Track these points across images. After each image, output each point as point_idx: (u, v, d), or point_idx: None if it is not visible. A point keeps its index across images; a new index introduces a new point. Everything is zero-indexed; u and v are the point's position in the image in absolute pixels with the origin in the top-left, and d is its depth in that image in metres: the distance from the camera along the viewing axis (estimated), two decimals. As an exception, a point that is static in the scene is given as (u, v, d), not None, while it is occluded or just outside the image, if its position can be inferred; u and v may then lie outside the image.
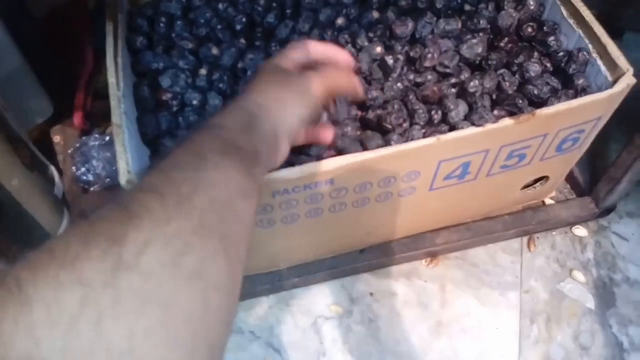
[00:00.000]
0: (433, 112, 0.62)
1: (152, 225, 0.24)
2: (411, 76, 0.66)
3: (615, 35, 0.61)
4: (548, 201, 0.78)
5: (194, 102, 0.62)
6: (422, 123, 0.61)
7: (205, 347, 0.24)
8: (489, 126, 0.54)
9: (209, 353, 0.24)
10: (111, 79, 0.57)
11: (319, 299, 0.71)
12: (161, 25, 0.66)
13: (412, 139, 0.60)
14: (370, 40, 0.67)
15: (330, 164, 0.51)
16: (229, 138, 0.34)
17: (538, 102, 0.63)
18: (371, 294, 0.71)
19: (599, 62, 0.60)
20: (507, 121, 0.54)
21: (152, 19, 0.67)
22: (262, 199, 0.53)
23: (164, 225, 0.24)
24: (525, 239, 0.76)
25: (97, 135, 0.77)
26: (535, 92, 0.62)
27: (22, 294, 0.20)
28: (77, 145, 0.76)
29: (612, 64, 0.58)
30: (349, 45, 0.67)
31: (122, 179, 0.50)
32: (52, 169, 0.75)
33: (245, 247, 0.29)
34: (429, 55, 0.65)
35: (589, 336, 0.69)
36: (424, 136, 0.61)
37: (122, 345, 0.21)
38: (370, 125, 0.61)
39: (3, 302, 0.20)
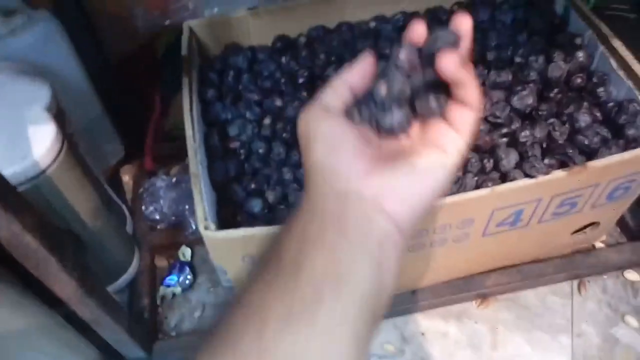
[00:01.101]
0: (485, 161, 0.65)
1: None
2: (463, 125, 0.69)
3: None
4: (598, 244, 0.79)
5: (260, 150, 0.67)
6: (475, 171, 0.64)
7: None
8: (542, 177, 0.56)
9: None
10: (188, 132, 0.62)
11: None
12: (229, 78, 0.72)
13: (464, 187, 0.63)
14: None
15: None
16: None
17: (588, 152, 0.65)
18: (422, 334, 0.74)
19: (649, 113, 0.62)
20: (559, 173, 0.56)
21: (221, 72, 0.73)
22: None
23: None
24: (575, 282, 0.77)
25: (164, 177, 0.83)
26: (586, 142, 0.64)
27: None
28: (146, 185, 0.82)
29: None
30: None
31: (200, 225, 0.55)
32: (124, 207, 0.81)
33: None
34: (482, 107, 0.68)
35: (643, 383, 0.69)
36: (476, 184, 0.64)
37: None
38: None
39: None
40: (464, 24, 0.33)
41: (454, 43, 0.32)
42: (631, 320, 0.73)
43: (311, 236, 0.29)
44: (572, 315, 0.74)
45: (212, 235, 0.54)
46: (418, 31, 0.34)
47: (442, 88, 0.32)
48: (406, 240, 0.31)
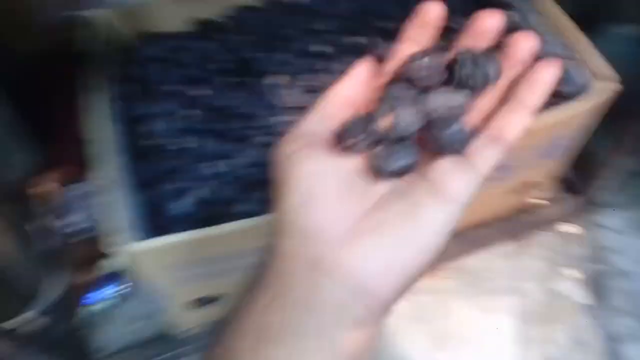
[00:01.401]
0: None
1: None
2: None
3: (594, 30, 0.62)
4: (539, 201, 0.80)
5: (191, 145, 0.61)
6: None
7: None
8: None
9: None
10: (102, 134, 0.56)
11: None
12: (149, 70, 0.66)
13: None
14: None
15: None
16: None
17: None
18: (374, 313, 0.72)
19: (579, 68, 0.61)
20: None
21: (142, 65, 0.66)
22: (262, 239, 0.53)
23: None
24: (517, 241, 0.78)
25: (78, 185, 0.76)
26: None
27: None
28: (59, 197, 0.74)
29: (592, 70, 0.59)
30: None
31: (119, 238, 0.49)
32: (38, 223, 0.73)
33: None
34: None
35: (585, 332, 0.71)
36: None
37: None
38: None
39: None
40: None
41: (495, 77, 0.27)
42: (571, 272, 0.75)
43: (271, 329, 0.24)
44: (515, 275, 0.75)
45: (131, 250, 0.49)
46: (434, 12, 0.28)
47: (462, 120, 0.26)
48: (383, 323, 0.26)
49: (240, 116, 0.63)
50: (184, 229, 0.59)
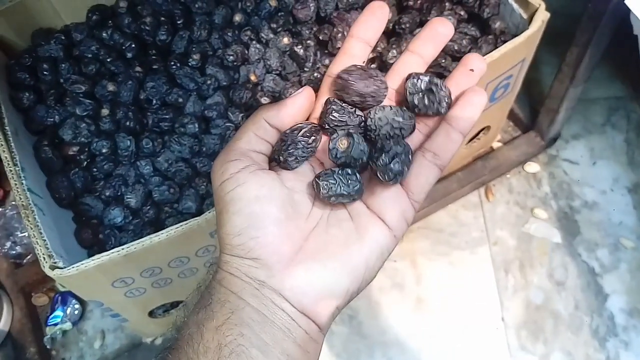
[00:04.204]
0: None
1: None
2: (327, 61, 0.62)
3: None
4: (496, 144, 0.77)
5: (104, 150, 0.57)
6: (349, 109, 0.58)
7: None
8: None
9: None
10: (4, 154, 0.51)
11: (294, 309, 0.68)
12: (45, 72, 0.60)
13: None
14: (274, 32, 0.63)
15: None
16: None
17: (461, 57, 0.60)
18: (344, 289, 0.69)
19: (511, 0, 0.57)
20: (433, 92, 0.51)
21: (33, 68, 0.60)
22: (201, 241, 0.50)
23: None
24: (482, 190, 0.75)
25: (14, 203, 0.71)
26: (455, 47, 0.59)
27: None
28: (-4, 219, 0.70)
29: (524, 1, 0.55)
30: (254, 42, 0.62)
31: (45, 266, 0.45)
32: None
33: None
34: (339, 35, 0.60)
35: (562, 271, 0.69)
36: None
37: None
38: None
39: None
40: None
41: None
42: (540, 212, 0.73)
43: (231, 345, 0.25)
44: (485, 225, 0.73)
45: (64, 274, 0.45)
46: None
47: (406, 143, 0.26)
48: (325, 330, 0.27)
49: (152, 108, 0.58)
50: (122, 239, 0.55)
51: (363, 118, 0.28)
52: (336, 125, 0.28)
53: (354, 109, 0.28)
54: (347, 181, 0.26)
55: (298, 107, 0.29)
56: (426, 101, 0.27)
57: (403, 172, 0.26)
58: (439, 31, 0.29)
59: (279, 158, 0.28)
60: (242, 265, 0.26)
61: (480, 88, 0.27)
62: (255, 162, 0.27)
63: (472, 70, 0.29)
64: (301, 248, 0.27)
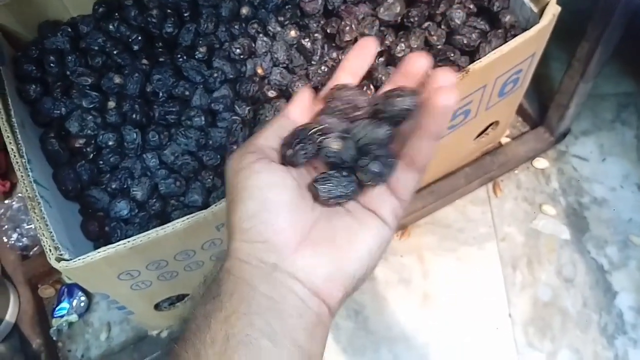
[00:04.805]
0: (365, 89, 0.58)
1: None
2: (334, 54, 0.61)
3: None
4: (504, 140, 0.76)
5: (110, 142, 0.56)
6: (356, 103, 0.58)
7: None
8: (425, 96, 0.50)
9: None
10: (10, 146, 0.51)
11: (300, 304, 0.68)
12: (52, 65, 0.59)
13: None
14: (282, 25, 0.62)
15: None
16: None
17: (470, 51, 0.59)
18: (350, 284, 0.69)
19: (520, -1, 0.57)
20: (442, 86, 0.50)
21: (40, 60, 0.60)
22: (207, 234, 0.49)
23: None
24: (490, 185, 0.74)
25: (20, 195, 0.71)
26: (465, 41, 0.59)
27: None
28: (1, 211, 0.70)
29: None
30: (261, 35, 0.62)
31: (51, 258, 0.45)
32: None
33: None
34: (347, 28, 0.60)
35: (570, 267, 0.69)
36: (363, 116, 0.57)
37: None
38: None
39: None
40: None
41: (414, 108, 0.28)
42: (548, 208, 0.72)
43: (240, 335, 0.25)
44: (493, 221, 0.72)
45: (70, 266, 0.45)
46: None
47: (388, 149, 0.29)
48: (334, 315, 0.28)
49: (159, 101, 0.58)
50: (127, 231, 0.55)
51: (350, 126, 0.30)
52: (327, 128, 0.29)
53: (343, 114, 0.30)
54: (344, 183, 0.28)
55: (302, 106, 0.31)
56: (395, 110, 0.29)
57: (382, 174, 0.28)
58: (416, 66, 0.30)
59: (289, 152, 0.29)
60: (252, 249, 0.27)
61: (449, 87, 0.27)
62: (268, 156, 0.29)
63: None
64: (308, 235, 0.27)
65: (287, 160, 0.29)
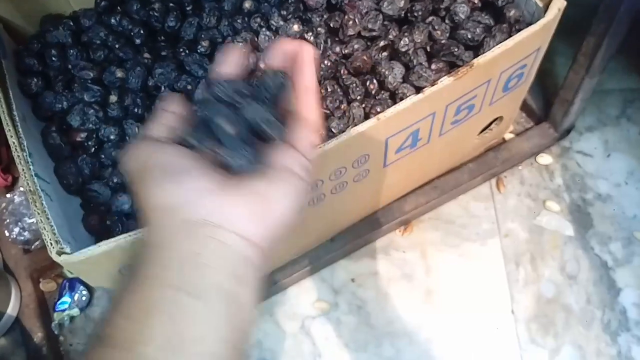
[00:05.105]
0: (368, 83, 0.58)
1: None
2: (337, 48, 0.61)
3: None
4: (508, 136, 0.75)
5: (112, 136, 0.56)
6: (359, 98, 0.57)
7: None
8: (429, 90, 0.50)
9: None
10: (12, 140, 0.50)
11: (302, 299, 0.68)
12: (53, 58, 0.59)
13: (352, 119, 0.56)
14: (284, 19, 0.62)
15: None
16: None
17: (474, 46, 0.59)
18: (353, 280, 0.69)
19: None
20: (446, 80, 0.50)
21: (41, 54, 0.60)
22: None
23: None
24: (493, 181, 0.74)
25: (22, 189, 0.71)
26: (469, 35, 0.58)
27: None
28: (3, 205, 0.70)
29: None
30: (264, 30, 0.61)
31: (52, 252, 0.45)
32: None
33: None
34: (350, 22, 0.59)
35: (574, 264, 0.68)
36: (365, 111, 0.57)
37: None
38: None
39: None
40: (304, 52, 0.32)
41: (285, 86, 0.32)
42: (552, 204, 0.71)
43: (165, 299, 0.25)
44: (496, 217, 0.72)
45: (71, 260, 0.45)
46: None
47: (279, 112, 0.32)
48: (267, 257, 0.28)
49: (161, 95, 0.58)
50: (129, 226, 0.55)
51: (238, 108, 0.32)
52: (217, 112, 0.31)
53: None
54: (245, 153, 0.30)
55: (180, 102, 0.32)
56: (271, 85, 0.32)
57: (280, 135, 0.31)
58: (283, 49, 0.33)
59: (185, 140, 0.30)
60: (166, 215, 0.27)
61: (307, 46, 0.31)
62: (164, 142, 0.30)
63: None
64: (225, 186, 0.28)
65: (186, 145, 0.30)
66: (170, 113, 0.31)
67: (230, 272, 0.26)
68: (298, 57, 0.33)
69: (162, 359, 0.23)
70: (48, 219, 0.47)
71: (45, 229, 0.46)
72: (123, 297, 0.25)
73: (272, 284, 0.66)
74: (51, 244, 0.46)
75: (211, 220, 0.26)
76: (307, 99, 0.32)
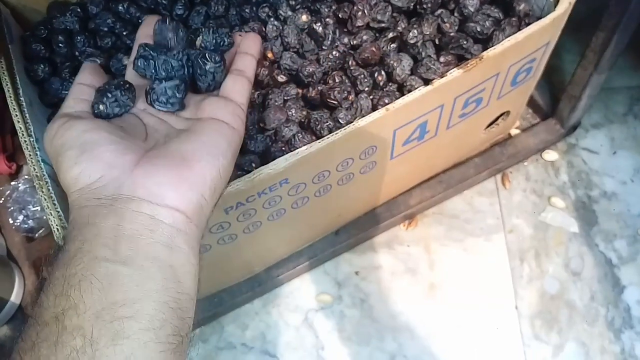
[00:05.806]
0: (376, 75, 0.57)
1: None
2: (345, 39, 0.61)
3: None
4: (514, 131, 0.75)
5: (118, 124, 0.56)
6: (367, 89, 0.57)
7: None
8: (437, 82, 0.49)
9: None
10: (18, 125, 0.50)
11: (305, 292, 0.68)
12: (60, 45, 0.59)
13: (360, 110, 0.56)
14: (293, 9, 0.61)
15: (280, 164, 0.46)
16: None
17: (483, 39, 0.58)
18: (356, 273, 0.69)
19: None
20: (455, 72, 0.50)
21: (48, 40, 0.60)
22: (215, 218, 0.49)
23: None
24: (498, 176, 0.74)
25: (26, 177, 0.71)
26: (478, 28, 0.58)
27: None
28: (8, 192, 0.69)
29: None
30: (272, 19, 0.61)
31: (59, 238, 0.45)
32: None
33: None
34: (359, 13, 0.59)
35: (578, 261, 0.68)
36: (373, 103, 0.56)
37: None
38: (314, 103, 0.57)
39: None
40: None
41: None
42: (557, 201, 0.71)
43: (75, 277, 0.25)
44: (501, 212, 0.71)
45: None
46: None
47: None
48: (202, 225, 0.29)
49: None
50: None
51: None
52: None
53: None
54: (173, 93, 0.33)
55: (93, 71, 0.36)
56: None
57: (216, 81, 0.36)
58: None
59: (101, 107, 0.31)
60: (87, 192, 0.27)
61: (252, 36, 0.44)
62: (77, 116, 0.31)
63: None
64: (143, 157, 0.28)
65: (101, 115, 0.32)
66: (86, 86, 0.32)
67: (159, 241, 0.26)
68: (241, 44, 0.37)
69: (95, 327, 0.23)
70: (55, 204, 0.46)
71: (51, 214, 0.46)
72: (53, 276, 0.25)
73: (275, 276, 0.66)
74: (57, 229, 0.45)
75: (136, 195, 0.26)
76: (244, 57, 0.37)
